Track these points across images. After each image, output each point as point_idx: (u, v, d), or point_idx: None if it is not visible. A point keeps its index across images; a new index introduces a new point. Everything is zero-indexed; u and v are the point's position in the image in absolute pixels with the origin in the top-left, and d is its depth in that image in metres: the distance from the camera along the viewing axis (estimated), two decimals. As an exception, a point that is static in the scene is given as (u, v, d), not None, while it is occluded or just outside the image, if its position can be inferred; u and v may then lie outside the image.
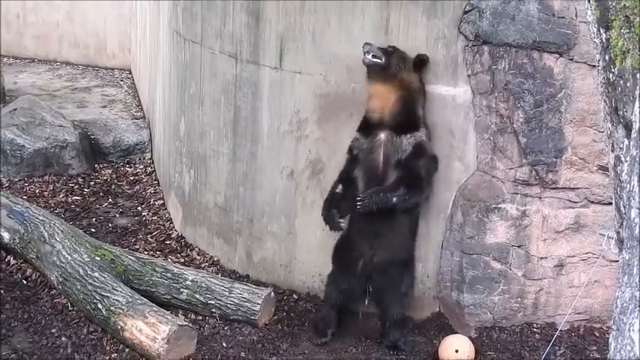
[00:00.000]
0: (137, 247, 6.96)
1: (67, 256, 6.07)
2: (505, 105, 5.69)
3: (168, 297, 6.02)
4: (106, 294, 5.72)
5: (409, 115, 5.69)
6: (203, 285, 6.00)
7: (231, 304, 5.94)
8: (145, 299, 5.74)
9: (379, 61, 5.58)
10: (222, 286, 6.02)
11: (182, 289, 6.01)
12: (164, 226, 7.41)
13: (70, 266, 6.00)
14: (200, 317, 6.01)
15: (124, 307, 5.60)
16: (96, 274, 5.87)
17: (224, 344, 5.75)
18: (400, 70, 5.64)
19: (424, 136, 5.72)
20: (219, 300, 5.96)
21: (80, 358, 5.50)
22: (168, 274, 6.07)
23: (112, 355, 5.53)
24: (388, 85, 5.63)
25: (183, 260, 6.79)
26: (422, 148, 5.70)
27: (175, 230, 7.30)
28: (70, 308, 5.99)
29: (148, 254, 6.68)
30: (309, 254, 6.25)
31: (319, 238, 6.10)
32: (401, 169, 5.67)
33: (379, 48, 5.61)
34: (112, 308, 5.64)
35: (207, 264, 6.77)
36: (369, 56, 5.57)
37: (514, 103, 5.67)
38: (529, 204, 5.84)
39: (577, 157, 5.74)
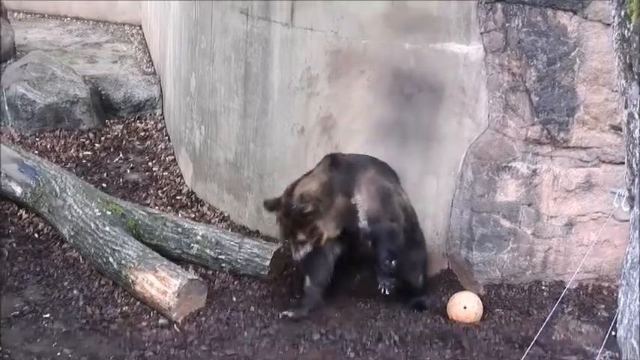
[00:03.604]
0: (148, 202, 6.99)
1: (78, 210, 6.11)
2: (518, 63, 5.66)
3: (179, 252, 6.07)
4: (117, 248, 5.77)
5: None
6: (213, 240, 6.04)
7: (241, 259, 5.98)
8: (156, 253, 5.78)
9: None
10: (233, 241, 6.06)
11: (192, 244, 6.05)
12: (175, 181, 7.44)
13: (82, 220, 6.04)
14: (210, 272, 6.05)
15: (134, 261, 5.65)
16: (107, 229, 5.91)
17: (234, 299, 5.80)
18: None
19: None
20: (229, 255, 6.00)
21: (92, 310, 5.55)
22: (179, 229, 6.11)
23: (124, 308, 5.59)
24: None
25: (193, 215, 6.82)
26: None
27: (186, 186, 7.33)
28: (82, 262, 6.04)
29: (159, 209, 6.72)
30: (318, 211, 6.25)
31: (329, 195, 6.10)
32: None
33: None
34: (123, 262, 5.68)
35: (217, 219, 6.80)
36: None
37: (527, 62, 5.64)
38: (540, 163, 5.83)
39: (589, 116, 5.72)
